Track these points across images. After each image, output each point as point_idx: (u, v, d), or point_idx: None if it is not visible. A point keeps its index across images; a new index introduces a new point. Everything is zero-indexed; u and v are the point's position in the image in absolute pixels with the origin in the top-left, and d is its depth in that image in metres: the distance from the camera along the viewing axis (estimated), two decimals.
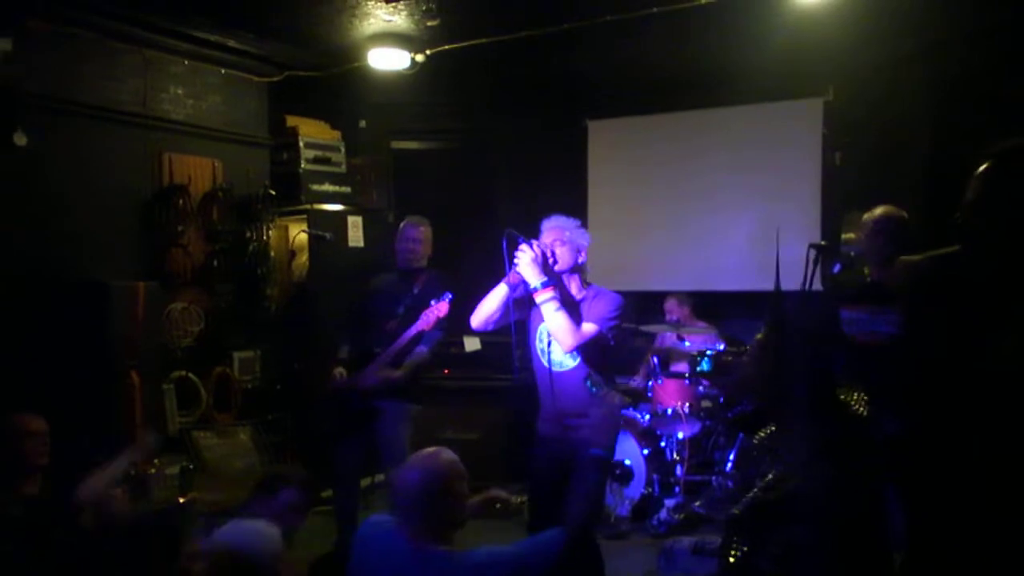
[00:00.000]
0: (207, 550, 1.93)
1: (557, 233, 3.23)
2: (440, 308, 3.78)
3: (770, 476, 2.20)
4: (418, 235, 4.11)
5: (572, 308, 3.15)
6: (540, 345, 3.25)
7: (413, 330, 3.81)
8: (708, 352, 4.94)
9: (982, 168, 1.93)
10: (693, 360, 4.95)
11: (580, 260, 3.25)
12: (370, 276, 4.33)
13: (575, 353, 3.14)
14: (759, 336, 2.19)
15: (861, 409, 2.12)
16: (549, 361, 3.21)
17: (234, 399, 4.95)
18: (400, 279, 4.12)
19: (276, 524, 2.53)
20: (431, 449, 2.21)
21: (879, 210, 3.43)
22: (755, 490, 2.26)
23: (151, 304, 4.22)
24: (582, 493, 2.18)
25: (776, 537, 2.05)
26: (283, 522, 2.57)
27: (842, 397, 2.14)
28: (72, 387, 3.78)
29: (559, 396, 3.17)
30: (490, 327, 3.26)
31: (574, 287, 3.25)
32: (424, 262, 4.14)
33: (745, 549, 2.15)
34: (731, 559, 2.19)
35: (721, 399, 5.07)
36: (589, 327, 3.10)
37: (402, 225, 4.23)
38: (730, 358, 4.93)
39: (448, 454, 2.19)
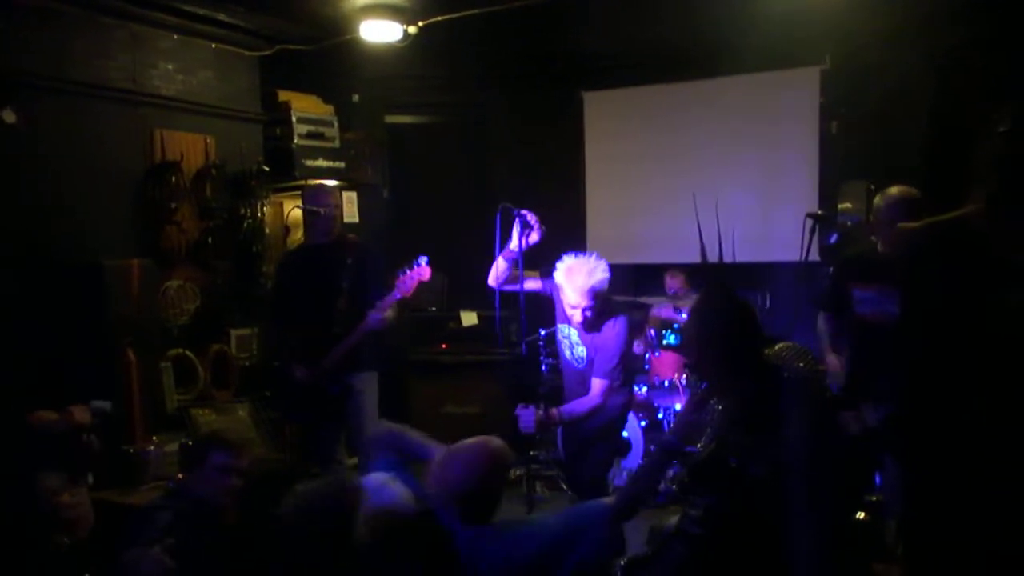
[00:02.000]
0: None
1: (588, 298, 3.22)
2: (421, 272, 3.66)
3: (703, 441, 2.25)
4: (331, 201, 3.95)
5: (592, 329, 3.33)
6: (561, 335, 3.49)
7: (393, 297, 3.70)
8: (675, 324, 4.95)
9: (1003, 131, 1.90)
10: (658, 334, 4.97)
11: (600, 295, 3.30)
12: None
13: (586, 356, 3.38)
14: (693, 305, 2.20)
15: (803, 364, 2.12)
16: (574, 357, 3.44)
17: (232, 376, 4.94)
18: (324, 252, 3.93)
19: (210, 487, 2.61)
20: (482, 437, 2.29)
21: (894, 190, 3.38)
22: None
23: (146, 282, 4.20)
24: (636, 473, 2.27)
25: (698, 500, 2.08)
26: (216, 484, 2.62)
27: (782, 353, 2.15)
28: (69, 366, 3.78)
29: (573, 386, 3.44)
30: (505, 285, 3.44)
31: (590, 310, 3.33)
32: (337, 231, 3.99)
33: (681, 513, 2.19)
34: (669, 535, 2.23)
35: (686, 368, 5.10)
36: (597, 384, 3.29)
37: (310, 195, 4.06)
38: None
39: (499, 442, 2.25)
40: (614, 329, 3.31)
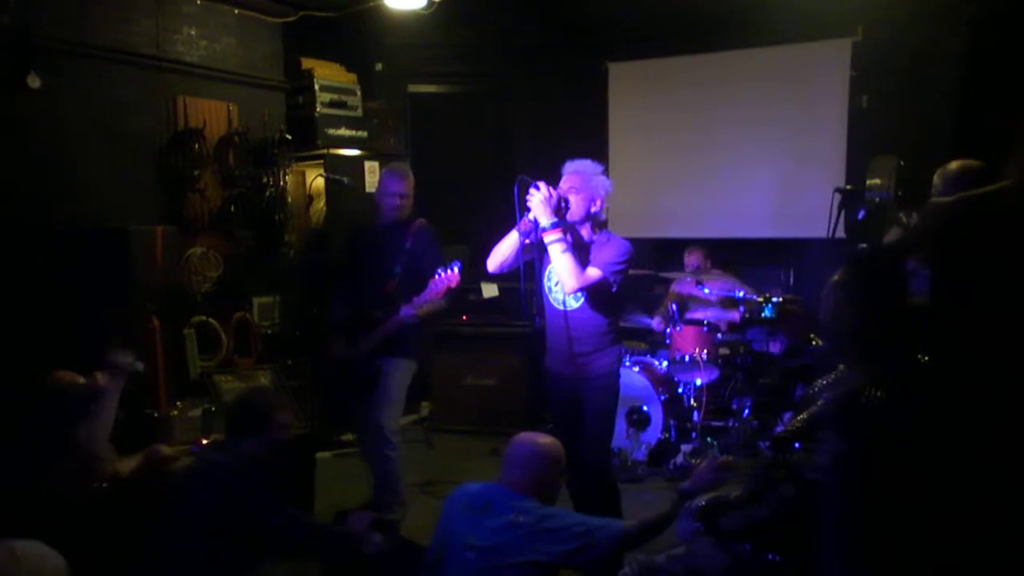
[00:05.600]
0: None
1: (574, 180, 3.21)
2: (451, 278, 3.62)
3: (821, 402, 2.22)
4: (403, 188, 3.88)
5: (581, 251, 3.18)
6: (548, 284, 3.32)
7: (423, 298, 3.67)
8: (772, 299, 4.91)
9: None
10: (758, 307, 4.94)
11: (593, 210, 3.23)
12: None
13: (579, 294, 3.19)
14: (835, 278, 2.15)
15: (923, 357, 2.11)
16: (560, 300, 3.27)
17: (254, 344, 4.99)
18: (388, 233, 3.92)
19: (269, 446, 2.65)
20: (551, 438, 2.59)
21: (954, 165, 3.23)
22: (807, 413, 2.30)
23: (170, 249, 4.22)
24: (651, 518, 2.40)
25: (823, 447, 2.06)
26: (276, 442, 2.68)
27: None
28: (93, 332, 3.81)
29: (568, 333, 3.25)
30: (505, 270, 3.33)
31: (584, 231, 3.26)
32: (408, 213, 3.94)
33: (790, 461, 2.17)
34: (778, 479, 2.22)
35: (783, 346, 5.04)
36: (593, 272, 3.12)
37: (382, 175, 4.02)
38: (793, 306, 4.90)
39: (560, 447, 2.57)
40: (613, 240, 3.21)
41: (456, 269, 3.63)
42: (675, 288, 5.54)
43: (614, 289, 3.20)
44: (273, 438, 2.67)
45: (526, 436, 2.56)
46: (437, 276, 3.63)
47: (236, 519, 2.47)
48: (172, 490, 2.63)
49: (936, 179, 3.24)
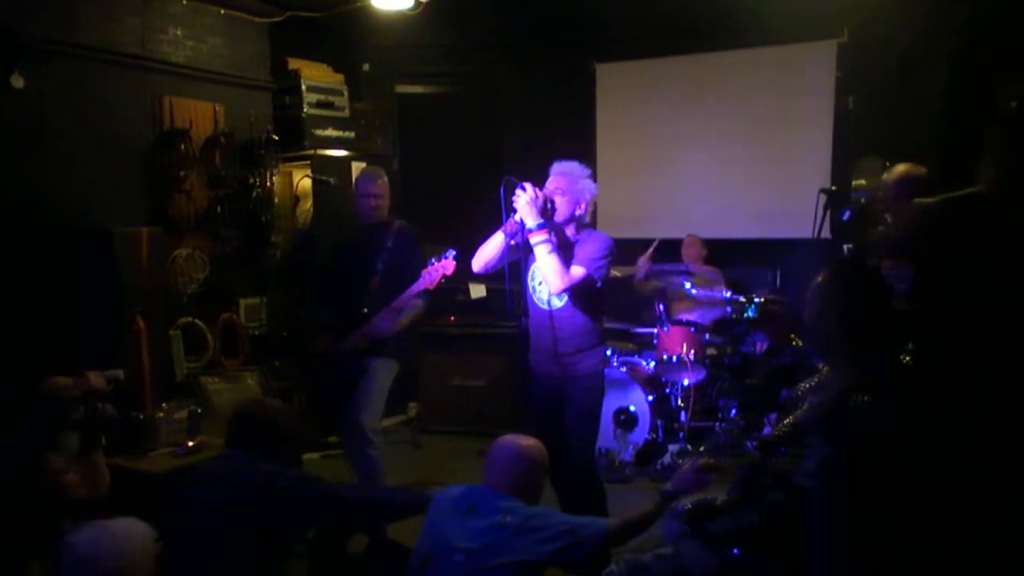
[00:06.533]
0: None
1: (561, 182, 3.23)
2: (446, 266, 3.62)
3: (807, 406, 2.24)
4: (377, 188, 3.91)
5: (565, 251, 3.18)
6: (532, 283, 3.33)
7: (416, 288, 3.66)
8: (755, 300, 4.94)
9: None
10: (741, 307, 4.97)
11: (578, 213, 3.24)
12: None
13: (563, 293, 3.20)
14: (819, 279, 2.16)
15: (906, 359, 2.12)
16: (544, 300, 3.27)
17: (241, 345, 4.97)
18: (368, 234, 3.94)
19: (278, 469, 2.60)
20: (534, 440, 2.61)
21: (900, 168, 3.31)
22: (792, 416, 2.32)
23: (155, 250, 4.20)
24: (635, 516, 2.41)
25: (811, 453, 2.07)
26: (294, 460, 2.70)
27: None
28: (79, 333, 3.79)
29: (553, 333, 3.25)
30: (490, 270, 3.33)
31: (569, 231, 3.27)
32: (386, 213, 3.97)
33: (777, 467, 2.19)
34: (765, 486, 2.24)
35: (765, 345, 5.07)
36: (578, 271, 3.13)
37: (357, 179, 4.07)
38: (775, 306, 4.93)
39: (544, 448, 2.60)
40: (594, 236, 3.22)
41: (452, 256, 3.61)
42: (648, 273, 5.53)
43: (599, 285, 3.21)
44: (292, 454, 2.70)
45: (509, 438, 2.57)
46: (431, 264, 3.63)
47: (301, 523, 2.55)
48: (198, 503, 2.57)
49: (885, 178, 3.33)
